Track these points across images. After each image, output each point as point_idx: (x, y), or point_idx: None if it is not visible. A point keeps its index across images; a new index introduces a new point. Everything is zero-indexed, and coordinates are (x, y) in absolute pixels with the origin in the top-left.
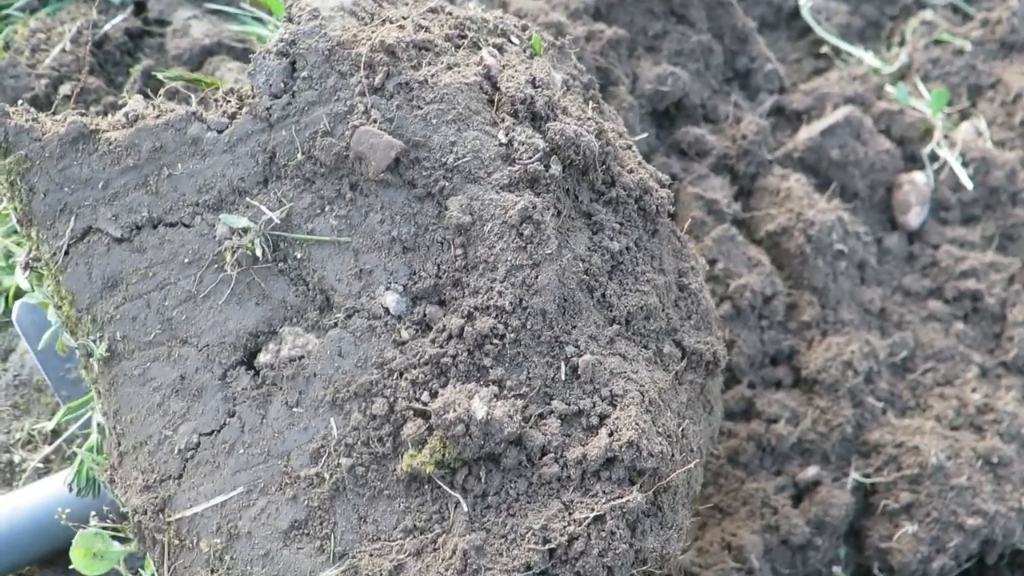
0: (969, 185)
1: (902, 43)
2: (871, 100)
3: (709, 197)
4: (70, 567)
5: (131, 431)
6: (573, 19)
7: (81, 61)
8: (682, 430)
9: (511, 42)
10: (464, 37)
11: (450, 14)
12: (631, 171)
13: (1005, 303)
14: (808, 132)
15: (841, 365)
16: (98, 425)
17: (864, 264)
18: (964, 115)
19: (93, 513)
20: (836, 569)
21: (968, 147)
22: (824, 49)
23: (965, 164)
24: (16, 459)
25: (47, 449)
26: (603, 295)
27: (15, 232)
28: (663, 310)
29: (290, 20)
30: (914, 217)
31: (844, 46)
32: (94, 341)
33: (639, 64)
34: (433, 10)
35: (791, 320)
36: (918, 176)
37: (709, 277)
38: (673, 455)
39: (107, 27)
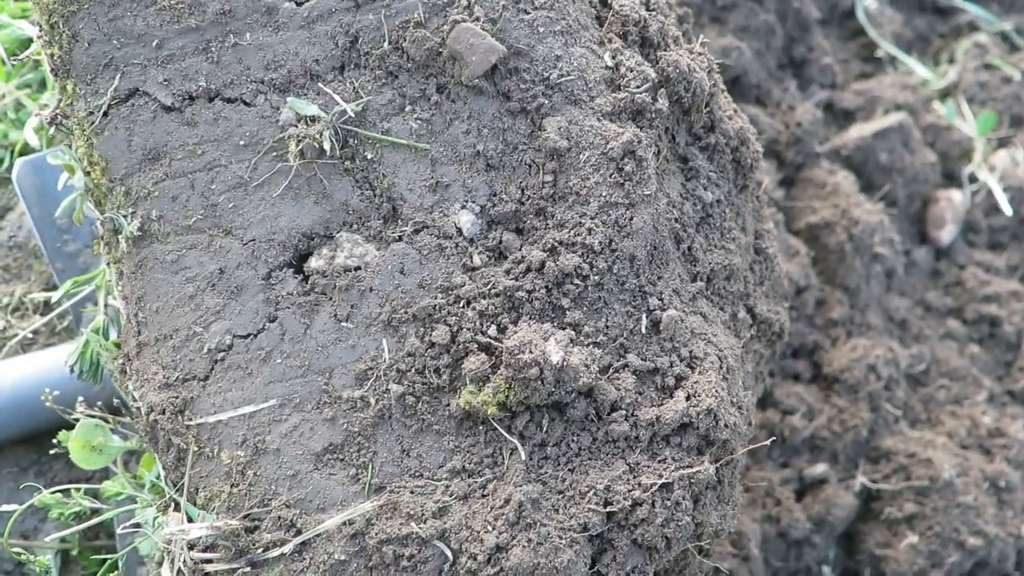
0: (1009, 211)
1: (951, 61)
2: (919, 111)
3: None
4: (50, 450)
5: (155, 321)
6: None
7: None
8: (748, 402)
9: None
10: None
11: None
12: (730, 118)
13: (1021, 333)
14: (860, 131)
15: (864, 368)
16: (107, 307)
17: (892, 272)
18: (1003, 142)
19: (81, 399)
20: (825, 569)
21: (1005, 174)
22: (879, 53)
23: (1004, 191)
24: (1, 325)
25: (37, 320)
26: (689, 248)
27: (29, 86)
28: (743, 272)
29: None
30: (946, 234)
31: (898, 53)
32: (125, 216)
33: (704, 32)
34: None
35: (819, 315)
36: (955, 194)
37: None
38: (742, 428)
39: None
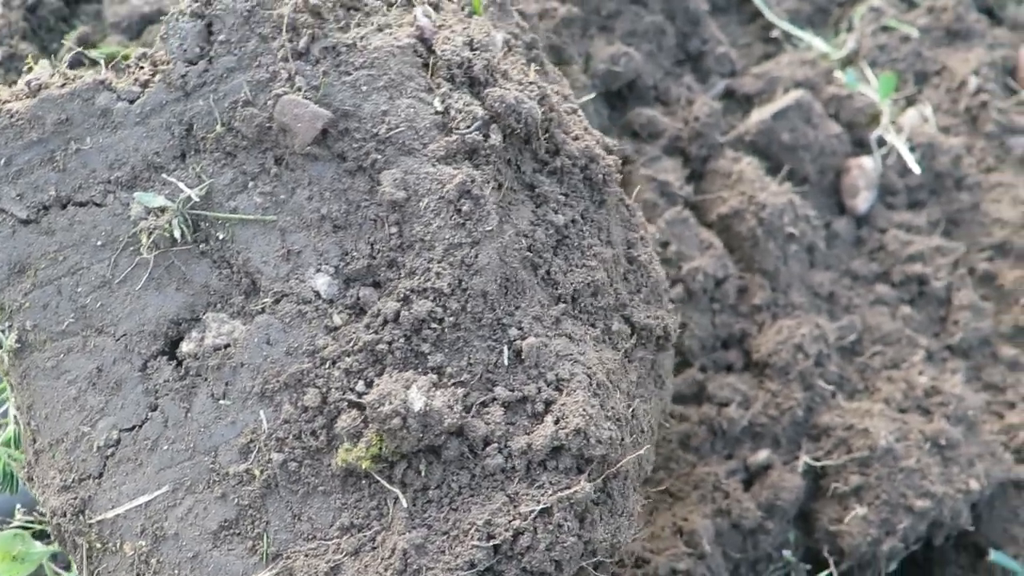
0: (917, 170)
1: (849, 29)
2: (820, 85)
3: (661, 179)
4: None
5: (46, 427)
6: None
7: (13, 26)
8: (632, 411)
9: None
10: None
11: None
12: (576, 138)
13: (950, 287)
14: (759, 115)
15: (792, 348)
16: (15, 417)
17: (813, 248)
18: (910, 101)
19: (19, 506)
20: (786, 553)
21: (914, 133)
22: (775, 33)
23: (912, 149)
24: None
25: None
26: (548, 272)
27: None
28: (611, 285)
29: None
30: (862, 202)
31: (794, 31)
32: (2, 331)
33: (592, 44)
34: None
35: (742, 303)
36: (866, 161)
37: (661, 260)
38: (623, 439)
39: None
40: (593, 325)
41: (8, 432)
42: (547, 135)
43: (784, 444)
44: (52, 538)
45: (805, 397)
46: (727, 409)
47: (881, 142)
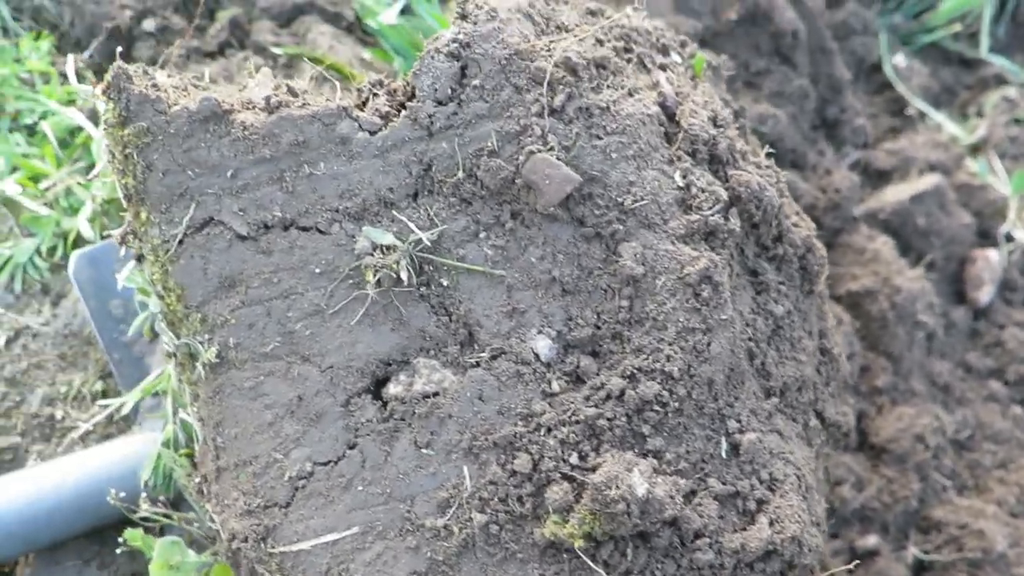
0: None
1: (980, 114)
2: (952, 169)
3: None
4: (116, 548)
5: (234, 447)
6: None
7: None
8: (823, 514)
9: (672, 58)
10: (630, 51)
11: (611, 20)
12: (796, 225)
13: None
14: (896, 195)
15: (911, 438)
16: (176, 418)
17: (933, 336)
18: None
19: (144, 495)
20: None
21: None
22: (909, 110)
23: None
24: (59, 415)
25: (96, 410)
26: (763, 363)
27: (83, 171)
28: (812, 380)
29: (464, 18)
30: (984, 294)
31: (928, 111)
32: (202, 343)
33: (737, 99)
34: (592, 12)
35: (863, 383)
36: (992, 254)
37: None
38: (822, 547)
39: None
40: (795, 420)
41: (168, 432)
42: (776, 222)
43: (893, 532)
44: (223, 559)
45: (920, 488)
46: (840, 488)
47: (1008, 238)
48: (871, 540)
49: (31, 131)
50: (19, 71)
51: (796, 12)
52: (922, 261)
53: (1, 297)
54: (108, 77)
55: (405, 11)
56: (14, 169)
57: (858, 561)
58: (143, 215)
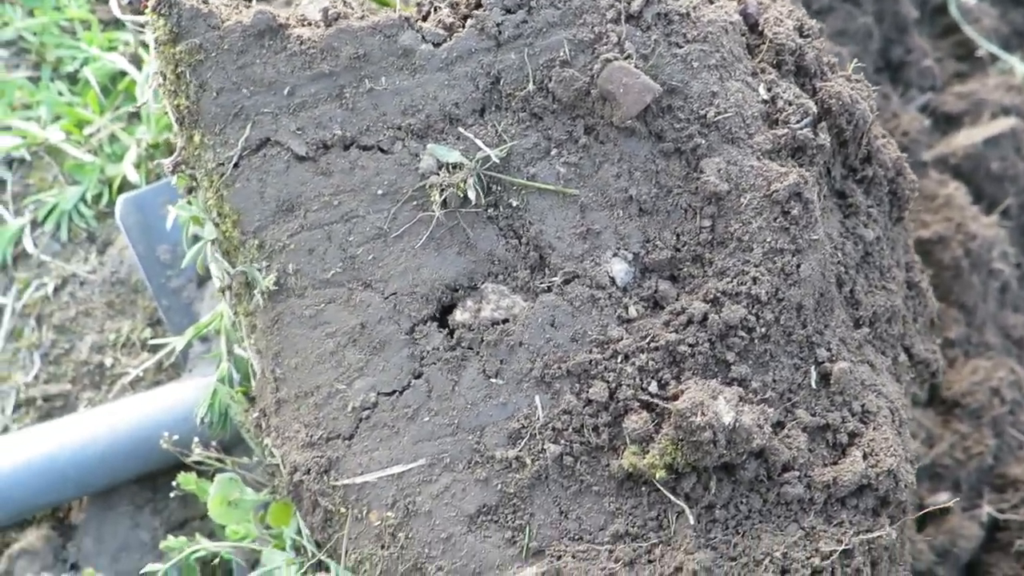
0: None
1: None
2: None
3: None
4: (169, 492)
5: (295, 378)
6: None
7: None
8: (915, 452)
9: None
10: None
11: None
12: (884, 147)
13: None
14: (969, 138)
15: (987, 391)
16: (230, 355)
17: (1007, 287)
18: None
19: (197, 439)
20: None
21: None
22: (979, 52)
23: None
24: (108, 362)
25: (145, 357)
26: (852, 291)
27: (125, 118)
28: (901, 312)
29: None
30: None
31: (1000, 53)
32: (259, 270)
33: None
34: None
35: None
36: None
37: None
38: (914, 485)
39: None
40: (885, 354)
41: (222, 369)
42: (865, 141)
43: (966, 490)
44: (283, 492)
45: (995, 444)
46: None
47: None
48: (943, 497)
49: (73, 79)
50: (59, 19)
51: None
52: (996, 208)
53: (48, 245)
54: None
55: None
56: (57, 117)
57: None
58: (196, 138)
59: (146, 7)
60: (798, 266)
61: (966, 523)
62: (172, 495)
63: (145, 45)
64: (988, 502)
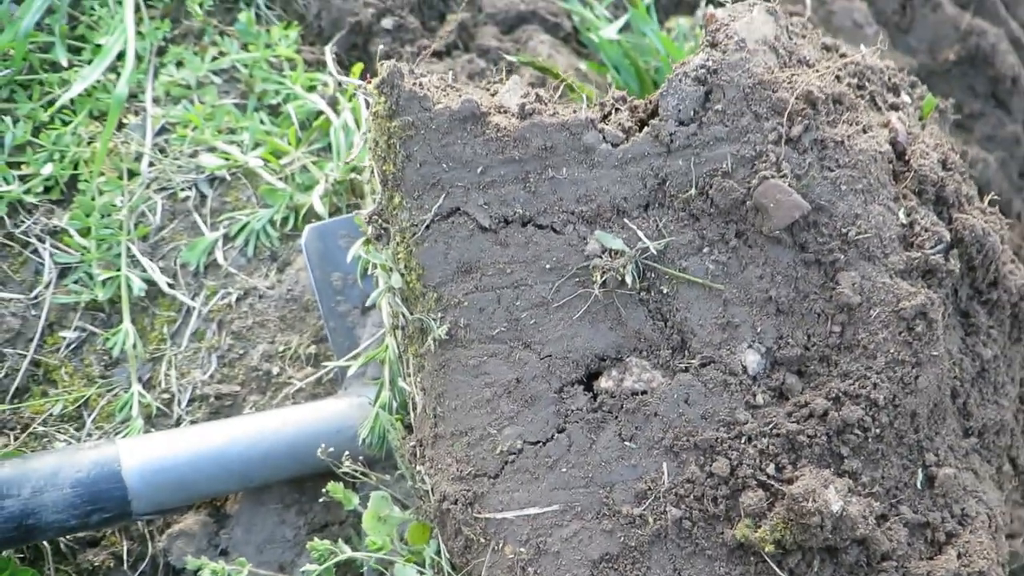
0: None
1: None
2: None
3: None
4: (318, 498)
5: (452, 417)
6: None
7: None
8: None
9: (902, 98)
10: (863, 88)
11: (849, 59)
12: (1012, 273)
13: None
14: None
15: None
16: (392, 384)
17: None
18: None
19: (347, 453)
20: None
21: None
22: None
23: None
24: (275, 370)
25: (307, 371)
26: (964, 403)
27: (317, 152)
28: (1010, 425)
29: (713, 46)
30: None
31: None
32: (435, 320)
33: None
34: (827, 47)
35: None
36: None
37: None
38: None
39: None
40: (990, 463)
41: (383, 398)
42: (993, 267)
43: None
44: (430, 518)
45: None
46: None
47: None
48: None
49: (274, 111)
50: (268, 55)
51: (1017, 57)
52: None
53: (235, 259)
54: (383, 73)
55: (624, 27)
56: (257, 144)
57: None
58: (396, 199)
59: (370, 83)
60: (916, 378)
61: None
62: (320, 500)
63: (343, 90)
64: None
